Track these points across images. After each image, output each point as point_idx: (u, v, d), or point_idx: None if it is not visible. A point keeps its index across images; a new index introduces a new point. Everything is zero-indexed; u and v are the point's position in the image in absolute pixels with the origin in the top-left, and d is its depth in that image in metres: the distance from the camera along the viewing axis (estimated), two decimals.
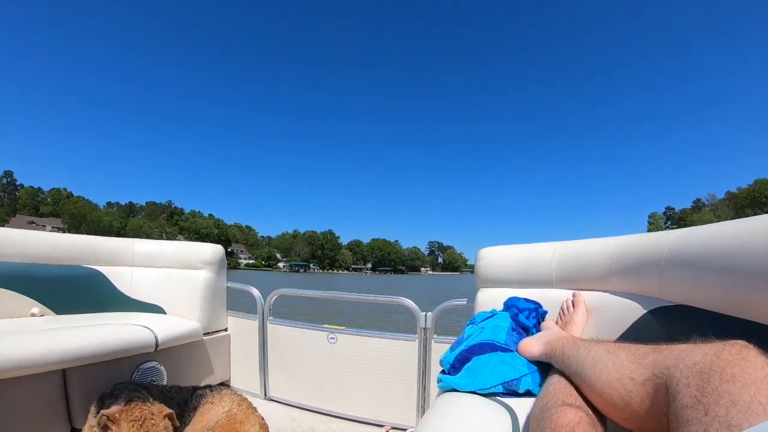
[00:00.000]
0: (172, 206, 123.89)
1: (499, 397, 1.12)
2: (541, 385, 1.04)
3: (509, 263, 1.77)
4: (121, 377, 1.86)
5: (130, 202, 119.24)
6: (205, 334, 2.38)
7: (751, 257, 0.78)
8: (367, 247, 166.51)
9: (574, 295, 1.44)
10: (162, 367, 2.05)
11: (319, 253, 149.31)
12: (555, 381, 0.90)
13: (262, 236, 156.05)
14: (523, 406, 1.02)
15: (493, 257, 1.82)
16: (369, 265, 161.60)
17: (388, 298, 2.30)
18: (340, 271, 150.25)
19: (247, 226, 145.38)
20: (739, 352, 0.54)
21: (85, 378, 1.73)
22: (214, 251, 2.53)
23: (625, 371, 0.69)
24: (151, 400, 1.50)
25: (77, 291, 2.27)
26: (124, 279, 2.48)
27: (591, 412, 0.75)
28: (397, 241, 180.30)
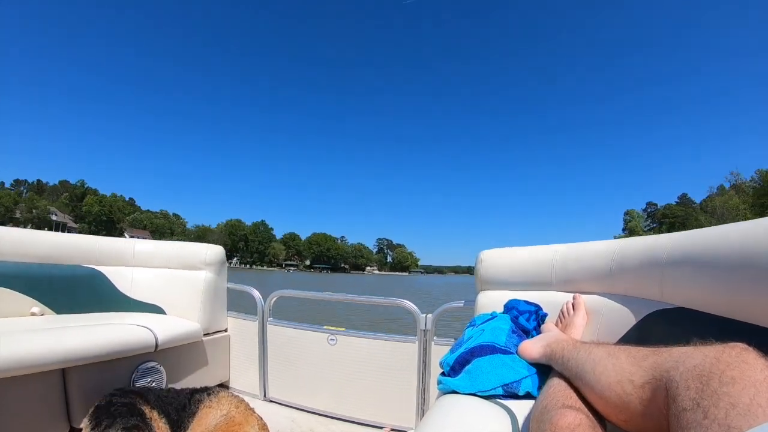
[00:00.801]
0: (85, 186, 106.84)
1: (499, 399, 1.12)
2: (541, 388, 1.04)
3: (510, 265, 1.77)
4: (121, 377, 1.86)
5: (38, 180, 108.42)
6: (205, 334, 2.38)
7: (755, 260, 0.78)
8: (304, 242, 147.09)
9: (574, 298, 1.44)
10: (162, 368, 2.05)
11: (242, 246, 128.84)
12: (555, 383, 0.90)
13: (198, 225, 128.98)
14: (522, 409, 1.02)
15: (494, 259, 1.82)
16: (307, 262, 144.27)
17: (388, 300, 2.30)
18: (267, 268, 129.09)
19: (174, 215, 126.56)
20: (739, 355, 0.54)
21: (84, 378, 1.73)
22: (215, 252, 2.53)
23: (625, 374, 0.69)
24: (147, 412, 1.50)
25: (77, 291, 2.27)
26: (125, 279, 2.49)
27: (591, 415, 0.75)
28: (343, 237, 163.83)
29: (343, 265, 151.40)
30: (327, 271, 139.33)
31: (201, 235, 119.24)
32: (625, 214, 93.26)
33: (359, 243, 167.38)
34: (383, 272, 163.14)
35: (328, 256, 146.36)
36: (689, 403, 0.52)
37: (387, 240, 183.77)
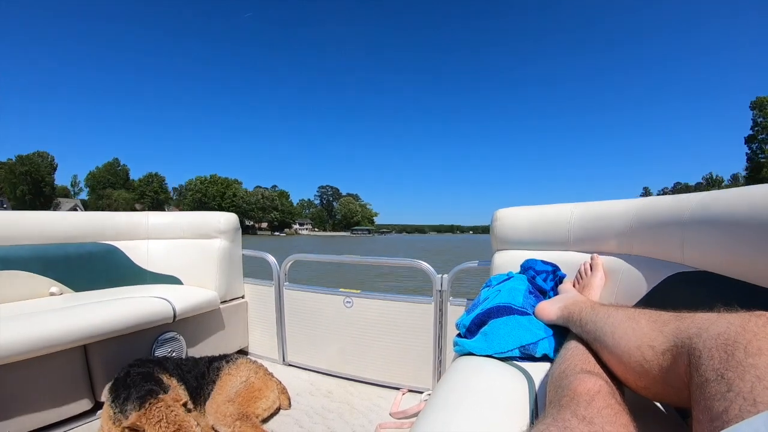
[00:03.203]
0: None
1: (515, 362, 1.11)
2: (558, 350, 1.02)
3: (526, 224, 1.73)
4: (141, 349, 1.91)
5: None
6: (223, 302, 2.42)
7: None
8: (178, 188, 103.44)
9: (592, 258, 1.41)
10: (181, 337, 2.10)
11: (23, 190, 77.54)
12: (573, 346, 0.88)
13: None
14: (539, 371, 1.01)
15: (510, 218, 1.79)
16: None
17: (403, 261, 2.29)
18: None
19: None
20: (765, 324, 0.51)
21: (105, 352, 1.78)
22: (228, 220, 2.54)
23: (646, 339, 0.67)
24: (165, 379, 1.53)
25: (94, 267, 2.31)
26: (140, 252, 2.52)
27: (609, 380, 0.73)
28: (274, 186, 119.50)
29: (250, 224, 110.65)
30: None
31: None
32: (645, 190, 67.82)
33: (277, 189, 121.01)
34: (321, 232, 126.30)
35: (218, 208, 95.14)
36: (713, 374, 0.50)
37: (332, 188, 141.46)
